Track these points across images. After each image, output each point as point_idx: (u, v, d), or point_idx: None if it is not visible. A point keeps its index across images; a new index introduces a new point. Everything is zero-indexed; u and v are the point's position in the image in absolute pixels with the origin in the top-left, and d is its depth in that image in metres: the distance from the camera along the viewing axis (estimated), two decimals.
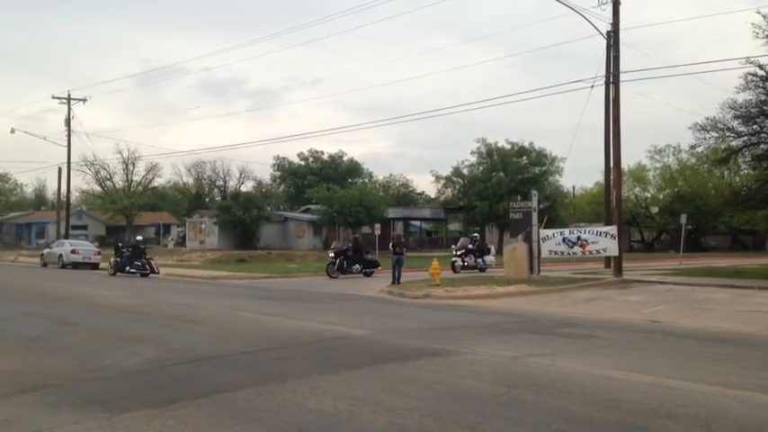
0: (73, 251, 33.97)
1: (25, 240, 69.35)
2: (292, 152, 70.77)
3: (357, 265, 26.17)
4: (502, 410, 5.92)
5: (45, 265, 35.09)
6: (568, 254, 21.64)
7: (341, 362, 8.23)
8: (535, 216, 21.11)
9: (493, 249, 29.55)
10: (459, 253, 28.46)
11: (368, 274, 26.05)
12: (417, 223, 61.33)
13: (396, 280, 20.72)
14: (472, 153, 49.72)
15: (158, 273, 27.28)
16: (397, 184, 74.58)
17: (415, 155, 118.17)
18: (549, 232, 22.12)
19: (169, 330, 11.18)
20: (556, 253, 21.63)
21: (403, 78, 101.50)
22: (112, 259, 27.54)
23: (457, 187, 51.10)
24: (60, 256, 34.00)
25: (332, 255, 26.63)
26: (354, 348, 9.35)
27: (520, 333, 11.15)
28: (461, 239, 30.89)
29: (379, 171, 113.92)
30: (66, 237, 43.11)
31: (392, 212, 50.46)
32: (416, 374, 7.50)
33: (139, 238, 29.87)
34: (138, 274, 26.44)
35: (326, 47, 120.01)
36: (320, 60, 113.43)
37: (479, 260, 27.90)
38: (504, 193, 44.55)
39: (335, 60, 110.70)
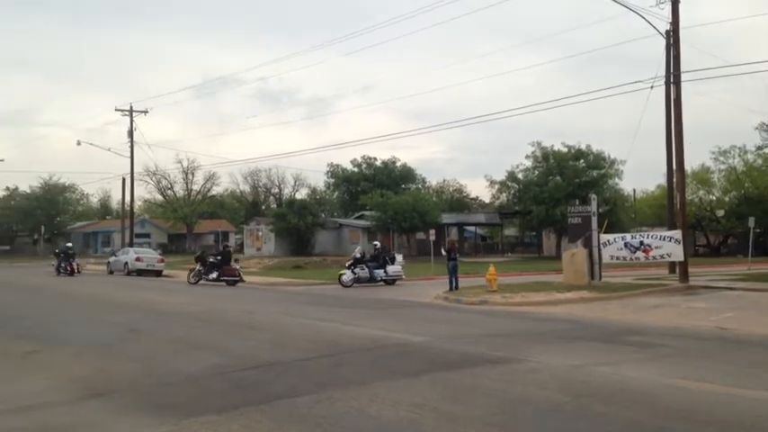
0: (137, 259, 35.03)
1: (92, 249, 71.86)
2: (346, 159, 71.47)
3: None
4: (568, 421, 5.78)
5: (111, 272, 36.21)
6: (630, 259, 21.05)
7: (399, 369, 8.19)
8: (595, 220, 20.64)
9: (399, 258, 26.56)
10: (348, 264, 25.59)
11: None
12: (472, 229, 60.87)
13: (452, 286, 20.57)
14: (527, 157, 49.08)
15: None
16: (451, 189, 74.29)
17: (468, 160, 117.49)
18: (610, 237, 21.59)
19: (230, 337, 11.37)
20: (617, 258, 21.09)
21: (455, 83, 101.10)
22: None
23: (512, 192, 50.47)
24: (126, 263, 35.07)
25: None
26: (412, 355, 9.30)
27: (582, 341, 10.89)
28: (357, 248, 28.14)
29: (433, 176, 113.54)
30: (131, 245, 44.50)
31: (446, 218, 50.26)
32: (477, 382, 7.40)
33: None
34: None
35: (378, 54, 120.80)
36: (372, 67, 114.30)
37: (378, 271, 25.15)
38: (560, 197, 43.78)
39: (387, 67, 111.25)
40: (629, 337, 11.16)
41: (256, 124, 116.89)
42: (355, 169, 67.50)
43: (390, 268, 25.17)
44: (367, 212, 51.37)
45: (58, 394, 6.97)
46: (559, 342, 10.75)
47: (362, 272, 24.84)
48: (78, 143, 47.54)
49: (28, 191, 73.91)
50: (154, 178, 63.94)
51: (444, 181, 75.86)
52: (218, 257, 27.20)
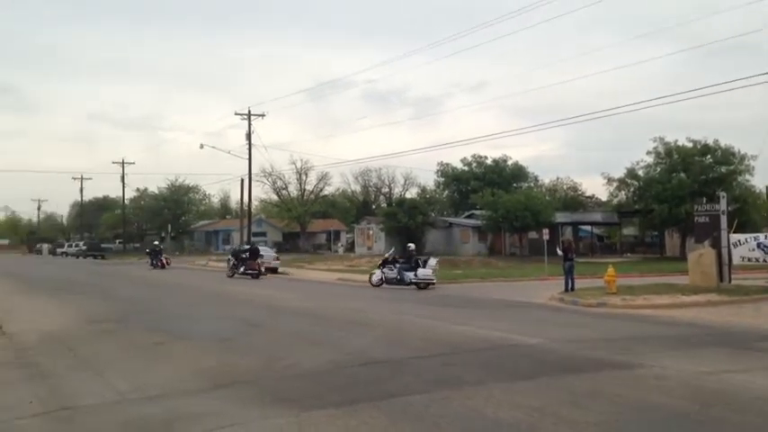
0: None
1: (213, 246, 75.67)
2: (455, 158, 71.05)
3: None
4: (696, 430, 5.42)
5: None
6: (764, 260, 19.54)
7: (515, 370, 8.02)
8: (724, 219, 19.31)
9: (433, 262, 25.20)
10: (379, 264, 25.49)
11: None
12: (587, 228, 58.75)
13: (569, 287, 19.93)
14: (648, 153, 46.59)
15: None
16: (565, 187, 72.00)
17: (582, 157, 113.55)
18: (741, 237, 20.13)
19: (344, 333, 11.58)
20: (749, 259, 19.64)
21: (567, 79, 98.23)
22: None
23: (631, 189, 48.13)
24: None
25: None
26: (528, 357, 9.08)
27: (711, 346, 10.22)
28: (392, 250, 27.79)
29: (545, 174, 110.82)
30: (249, 243, 46.39)
31: (560, 217, 48.73)
32: (598, 387, 7.12)
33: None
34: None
35: (487, 52, 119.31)
36: (481, 66, 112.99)
37: (408, 273, 24.29)
38: (685, 194, 41.30)
39: (496, 65, 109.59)
40: (763, 344, 10.38)
41: (366, 125, 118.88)
42: (465, 168, 66.92)
43: (420, 271, 24.15)
44: (477, 211, 50.79)
45: (185, 384, 7.36)
46: (686, 347, 10.14)
47: (391, 273, 24.68)
48: (201, 146, 50.37)
49: (156, 192, 79.01)
50: (269, 179, 66.33)
51: (558, 179, 73.60)
52: (247, 254, 31.04)
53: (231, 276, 30.28)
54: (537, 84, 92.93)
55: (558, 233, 44.25)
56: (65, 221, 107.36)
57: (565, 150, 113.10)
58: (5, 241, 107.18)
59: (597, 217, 56.40)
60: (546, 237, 29.07)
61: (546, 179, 71.86)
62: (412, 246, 26.48)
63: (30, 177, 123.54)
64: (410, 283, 23.92)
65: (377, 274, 25.06)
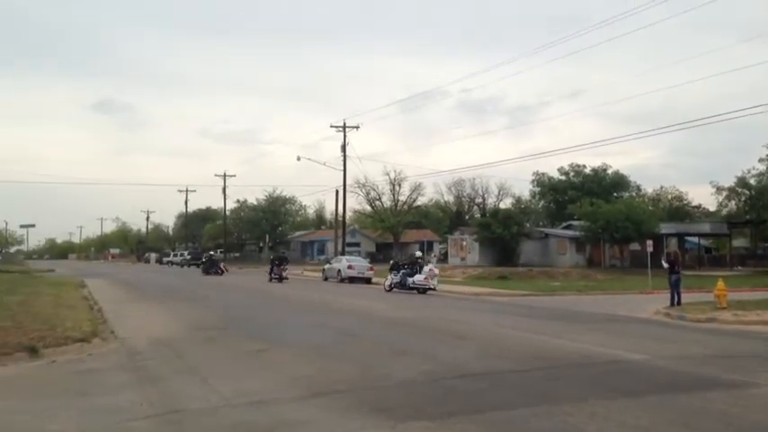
0: (349, 267, 36.94)
1: (309, 256, 77.39)
2: (552, 167, 69.18)
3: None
4: None
5: (325, 279, 38.61)
6: None
7: (618, 387, 7.70)
8: None
9: (427, 268, 26.39)
10: (390, 267, 27.78)
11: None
12: (694, 239, 55.81)
13: (675, 301, 18.96)
14: (761, 160, 43.83)
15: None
16: (669, 197, 68.80)
17: (688, 165, 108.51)
18: None
19: (439, 345, 11.49)
20: None
21: (672, 85, 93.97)
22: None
23: (742, 199, 45.45)
24: (339, 271, 37.17)
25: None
26: (632, 374, 8.70)
27: None
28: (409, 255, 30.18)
29: (648, 184, 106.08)
30: (343, 253, 47.17)
31: (664, 228, 46.50)
32: (708, 407, 6.75)
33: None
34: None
35: (585, 59, 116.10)
36: (579, 73, 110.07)
37: (410, 279, 25.77)
38: None
39: (595, 72, 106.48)
40: None
41: (461, 135, 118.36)
42: (562, 177, 65.30)
43: (416, 277, 25.72)
44: (575, 222, 49.39)
45: (285, 391, 7.51)
46: None
47: (395, 278, 26.49)
48: (298, 158, 51.78)
49: (254, 203, 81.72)
50: (363, 190, 67.10)
51: (661, 188, 70.49)
52: (277, 261, 35.55)
53: (270, 281, 33.92)
54: (638, 90, 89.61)
55: (663, 245, 42.27)
56: (171, 232, 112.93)
57: (670, 158, 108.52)
58: (117, 250, 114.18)
59: (705, 228, 53.50)
60: (650, 248, 27.84)
61: (649, 188, 69.08)
62: (418, 253, 28.79)
63: (139, 190, 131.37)
64: (411, 288, 25.45)
65: (389, 279, 26.84)
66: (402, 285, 25.96)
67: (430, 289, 25.45)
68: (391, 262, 28.25)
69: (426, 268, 26.34)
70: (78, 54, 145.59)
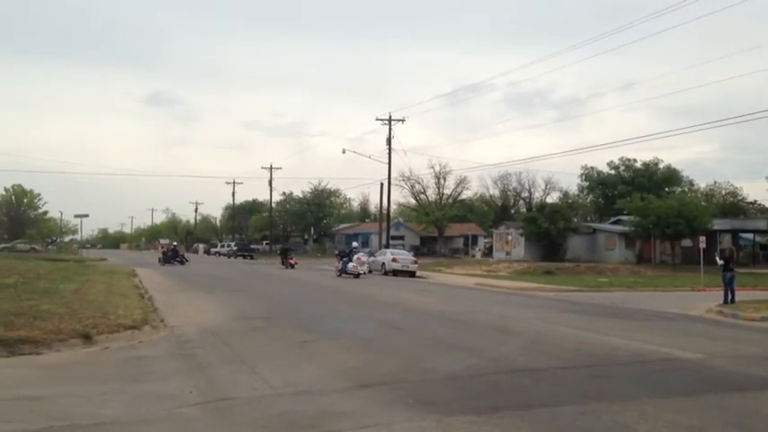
0: (394, 260, 36.99)
1: None
2: (601, 161, 68.04)
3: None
4: None
5: (370, 271, 38.74)
6: None
7: (670, 386, 7.52)
8: None
9: (354, 256, 31.45)
10: (338, 255, 34.91)
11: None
12: (749, 236, 54.07)
13: (728, 299, 18.41)
14: None
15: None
16: (723, 192, 66.88)
17: (744, 160, 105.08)
18: None
19: (485, 339, 11.40)
20: None
21: (728, 77, 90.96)
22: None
23: None
24: (383, 264, 37.27)
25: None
26: (684, 373, 8.48)
27: None
28: (353, 245, 37.55)
29: (701, 178, 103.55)
30: (387, 246, 47.18)
31: (718, 224, 45.13)
32: (762, 408, 6.58)
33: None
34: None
35: (638, 51, 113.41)
36: (631, 65, 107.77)
37: (347, 266, 30.70)
38: None
39: (648, 64, 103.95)
40: None
41: (507, 128, 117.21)
42: (612, 172, 64.01)
43: (349, 265, 30.71)
44: (624, 217, 48.34)
45: (331, 382, 7.56)
46: None
47: (340, 264, 31.69)
48: (344, 151, 52.49)
49: (300, 195, 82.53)
50: (408, 183, 67.05)
51: (715, 183, 68.61)
52: (284, 250, 42.50)
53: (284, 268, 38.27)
54: (695, 82, 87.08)
55: (716, 241, 41.11)
56: (218, 223, 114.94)
57: (724, 153, 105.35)
58: (166, 241, 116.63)
59: (761, 224, 51.77)
60: (702, 245, 27.08)
61: (702, 183, 67.31)
62: (354, 243, 36.61)
63: (188, 181, 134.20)
64: (348, 274, 30.14)
65: (338, 266, 31.79)
66: (343, 271, 30.84)
67: (360, 274, 30.39)
68: (335, 251, 35.27)
69: (355, 257, 31.40)
70: (133, 48, 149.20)
